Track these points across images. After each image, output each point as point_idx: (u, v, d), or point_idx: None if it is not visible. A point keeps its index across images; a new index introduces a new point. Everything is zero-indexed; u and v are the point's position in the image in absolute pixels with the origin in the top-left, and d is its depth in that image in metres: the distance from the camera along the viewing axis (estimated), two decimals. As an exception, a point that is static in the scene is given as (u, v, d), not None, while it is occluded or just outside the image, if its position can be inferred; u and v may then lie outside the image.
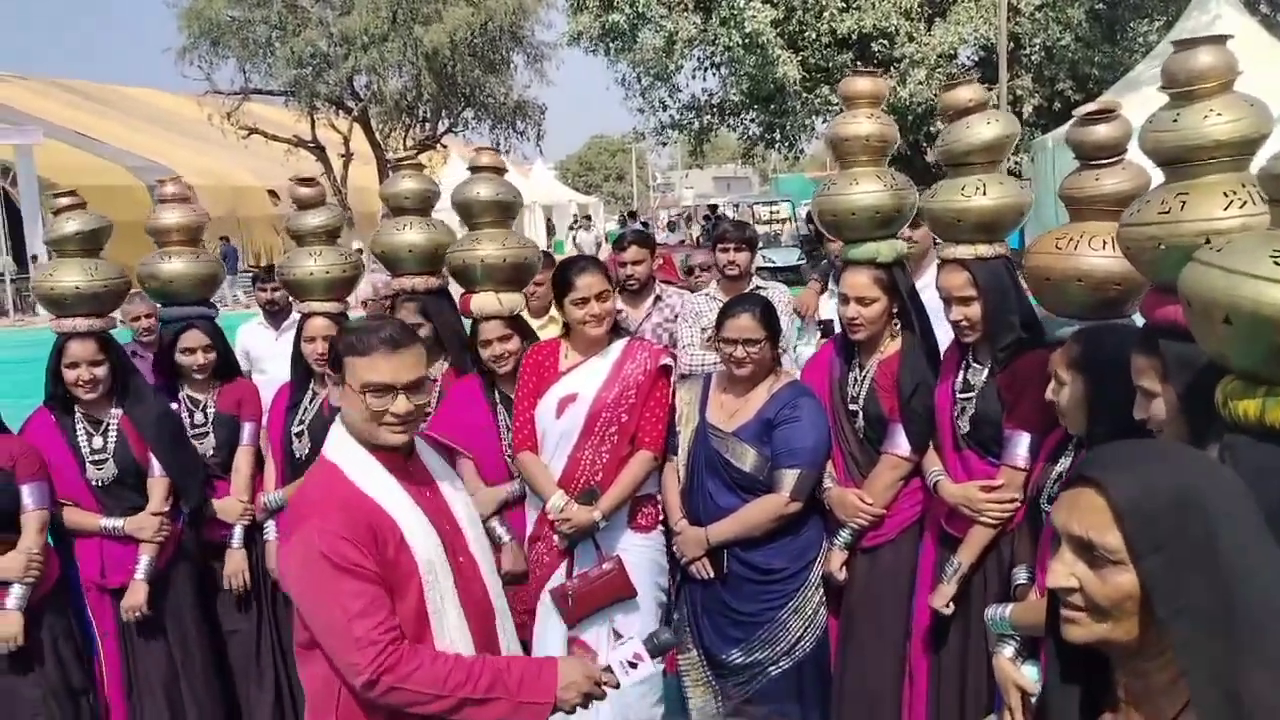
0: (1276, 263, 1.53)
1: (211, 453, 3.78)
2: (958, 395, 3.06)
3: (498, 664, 2.08)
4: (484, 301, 3.60)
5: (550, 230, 32.57)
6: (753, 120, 21.27)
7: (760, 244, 7.51)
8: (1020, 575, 2.71)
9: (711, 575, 3.34)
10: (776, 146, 22.04)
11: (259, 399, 3.94)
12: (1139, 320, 2.34)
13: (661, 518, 3.47)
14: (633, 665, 2.15)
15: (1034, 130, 17.42)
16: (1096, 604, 1.22)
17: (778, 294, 4.95)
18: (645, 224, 31.32)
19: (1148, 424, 2.06)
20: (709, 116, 21.45)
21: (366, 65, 28.34)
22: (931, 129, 17.27)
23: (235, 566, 3.71)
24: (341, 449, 2.16)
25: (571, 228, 31.43)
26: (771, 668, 3.33)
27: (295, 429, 3.68)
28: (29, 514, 3.33)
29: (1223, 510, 1.18)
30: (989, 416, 2.96)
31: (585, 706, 2.12)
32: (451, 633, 2.13)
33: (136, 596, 3.49)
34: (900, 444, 3.22)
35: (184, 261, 3.81)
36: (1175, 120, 2.02)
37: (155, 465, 3.58)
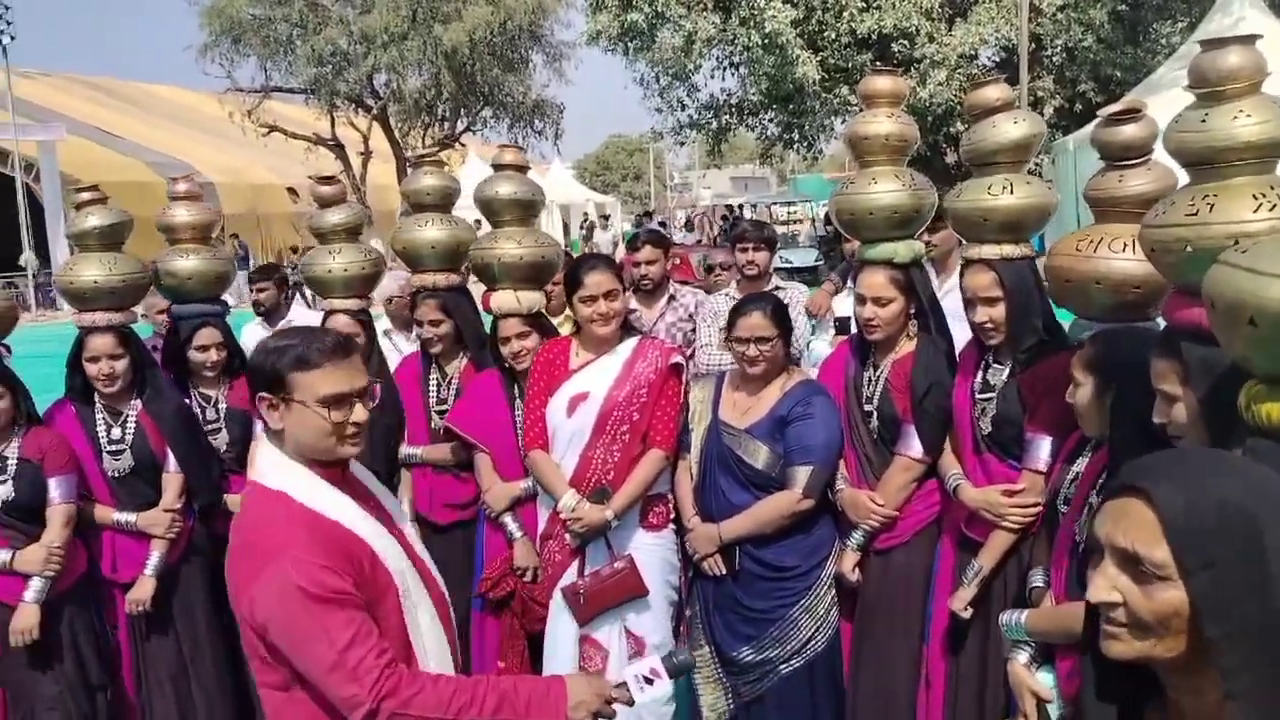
0: (1304, 265, 1.52)
1: (225, 448, 3.79)
2: (977, 396, 3.04)
3: (503, 684, 2.01)
4: (504, 299, 3.61)
5: (567, 230, 32.55)
6: (771, 120, 21.23)
7: (778, 244, 7.50)
8: (1036, 579, 2.67)
9: (723, 572, 3.33)
10: (795, 147, 22.00)
11: None
12: (1162, 324, 2.32)
13: (673, 516, 3.46)
14: (649, 681, 2.11)
15: (1055, 132, 17.31)
16: (1141, 620, 1.17)
17: (796, 294, 4.95)
18: (663, 223, 31.30)
19: (1167, 428, 2.04)
20: (727, 116, 21.43)
21: (386, 64, 28.50)
22: (952, 130, 17.20)
23: None
24: (286, 474, 2.01)
25: (580, 227, 31.15)
26: (782, 666, 3.32)
27: None
28: (54, 507, 3.35)
29: (1276, 525, 1.12)
30: (1010, 417, 2.94)
31: None
32: (426, 637, 2.07)
33: (143, 590, 3.50)
34: (913, 445, 3.20)
35: (200, 258, 3.82)
36: (1203, 121, 2.00)
37: (170, 460, 3.60)
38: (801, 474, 3.23)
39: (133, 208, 3.99)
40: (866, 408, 3.32)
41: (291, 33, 29.10)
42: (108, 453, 3.54)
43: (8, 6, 26.11)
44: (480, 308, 3.81)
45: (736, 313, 3.36)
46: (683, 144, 23.38)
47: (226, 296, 4.00)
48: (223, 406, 3.83)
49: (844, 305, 4.71)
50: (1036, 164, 15.24)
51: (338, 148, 29.97)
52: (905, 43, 17.71)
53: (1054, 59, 18.23)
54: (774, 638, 3.31)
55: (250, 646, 1.99)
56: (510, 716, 1.94)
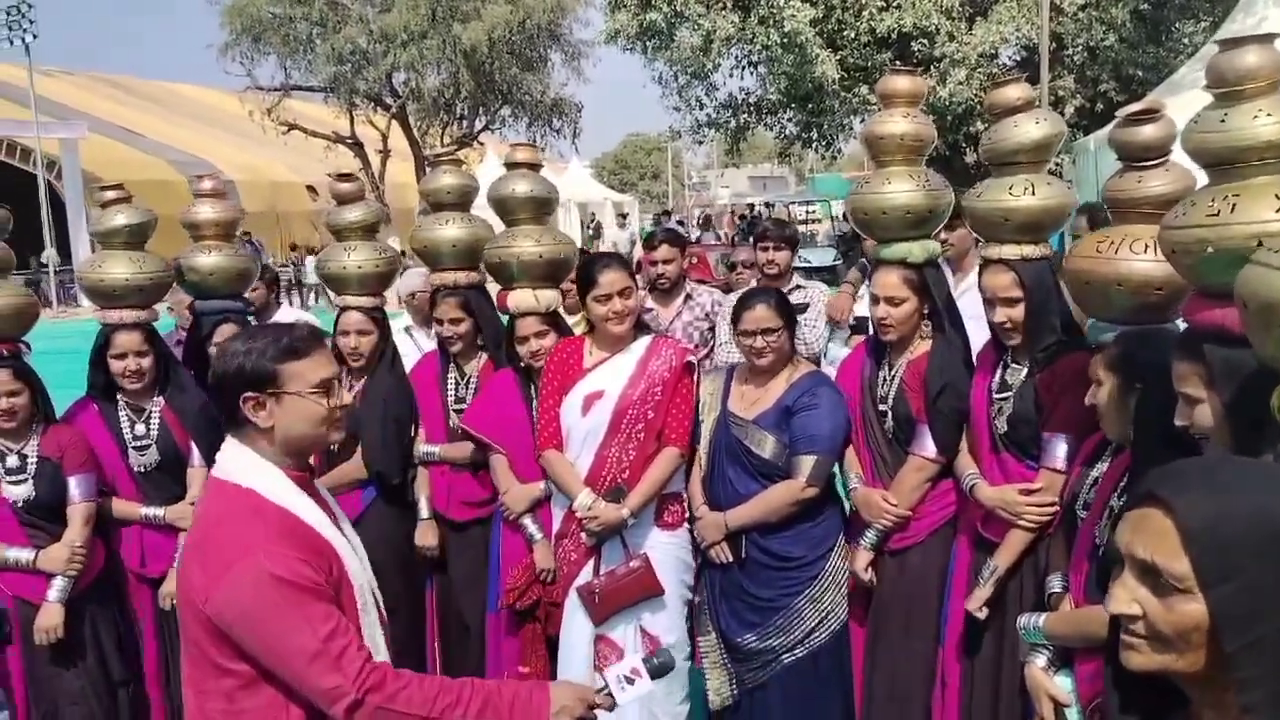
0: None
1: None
2: (994, 395, 3.03)
3: (488, 687, 1.97)
4: (521, 298, 3.62)
5: (584, 227, 32.54)
6: (790, 119, 21.14)
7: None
8: (1054, 584, 2.66)
9: (730, 559, 3.35)
10: (814, 146, 21.90)
11: None
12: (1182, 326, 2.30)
13: (687, 515, 3.47)
14: (629, 681, 2.11)
15: (1076, 132, 17.18)
16: (1160, 633, 1.14)
17: (817, 293, 4.94)
18: (681, 222, 31.22)
19: (1189, 430, 2.02)
20: (746, 115, 21.35)
21: (405, 62, 28.60)
22: (971, 129, 17.10)
23: None
24: (257, 472, 1.97)
25: (587, 226, 30.86)
26: (785, 655, 3.33)
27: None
28: (75, 506, 3.38)
29: None
30: (1027, 416, 2.93)
31: None
32: (378, 654, 2.00)
33: (170, 586, 3.52)
34: (927, 445, 3.20)
35: (222, 255, 3.86)
36: (1223, 120, 1.98)
37: (195, 455, 3.62)
38: (806, 463, 3.25)
39: (155, 206, 4.03)
40: (881, 407, 3.32)
41: (311, 31, 29.27)
42: (133, 449, 3.57)
43: (30, 5, 26.36)
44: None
45: (741, 306, 3.38)
46: (701, 143, 23.35)
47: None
48: None
49: (861, 305, 4.70)
50: (1057, 164, 15.14)
51: (356, 146, 30.12)
52: (925, 41, 17.62)
53: (1075, 58, 18.08)
54: (778, 626, 3.33)
55: (197, 649, 1.91)
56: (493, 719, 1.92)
